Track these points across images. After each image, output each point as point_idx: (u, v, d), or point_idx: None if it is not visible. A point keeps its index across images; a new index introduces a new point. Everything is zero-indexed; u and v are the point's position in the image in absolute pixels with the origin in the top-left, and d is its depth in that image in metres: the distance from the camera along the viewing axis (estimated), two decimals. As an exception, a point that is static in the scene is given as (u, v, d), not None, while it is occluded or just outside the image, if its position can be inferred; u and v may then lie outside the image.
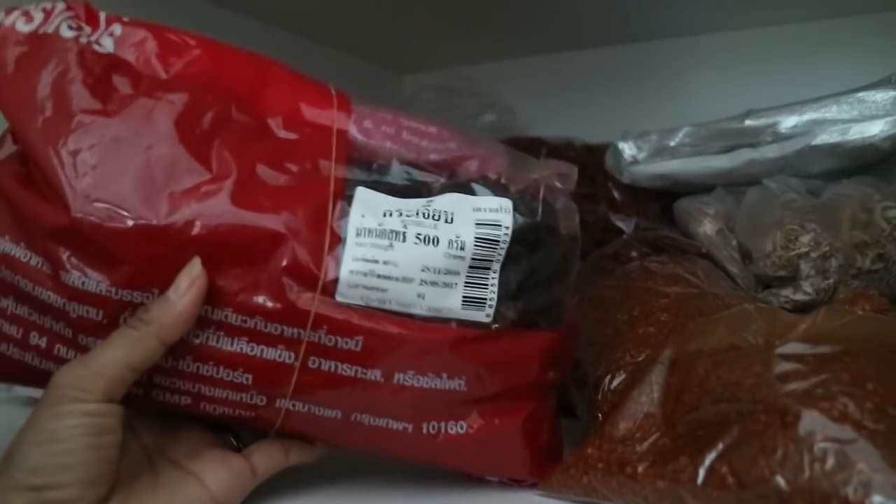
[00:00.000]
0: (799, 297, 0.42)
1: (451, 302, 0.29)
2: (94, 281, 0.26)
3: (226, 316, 0.27)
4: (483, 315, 0.29)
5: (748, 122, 0.49)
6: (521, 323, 0.30)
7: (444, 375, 0.29)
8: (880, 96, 0.45)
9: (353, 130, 0.30)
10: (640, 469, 0.28)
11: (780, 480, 0.24)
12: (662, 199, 0.55)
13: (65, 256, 0.26)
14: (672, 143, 0.52)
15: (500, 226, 0.29)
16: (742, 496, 0.25)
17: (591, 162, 0.59)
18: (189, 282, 0.26)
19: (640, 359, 0.34)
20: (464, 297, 0.29)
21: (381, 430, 0.30)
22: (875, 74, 0.48)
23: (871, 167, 0.48)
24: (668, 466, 0.27)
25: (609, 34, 0.75)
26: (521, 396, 0.31)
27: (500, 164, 0.32)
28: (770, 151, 0.48)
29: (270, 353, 0.28)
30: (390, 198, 0.29)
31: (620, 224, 0.55)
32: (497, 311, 0.29)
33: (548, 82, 0.82)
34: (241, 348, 0.28)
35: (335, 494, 0.32)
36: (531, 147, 0.62)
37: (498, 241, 0.29)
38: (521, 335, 0.30)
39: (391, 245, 0.28)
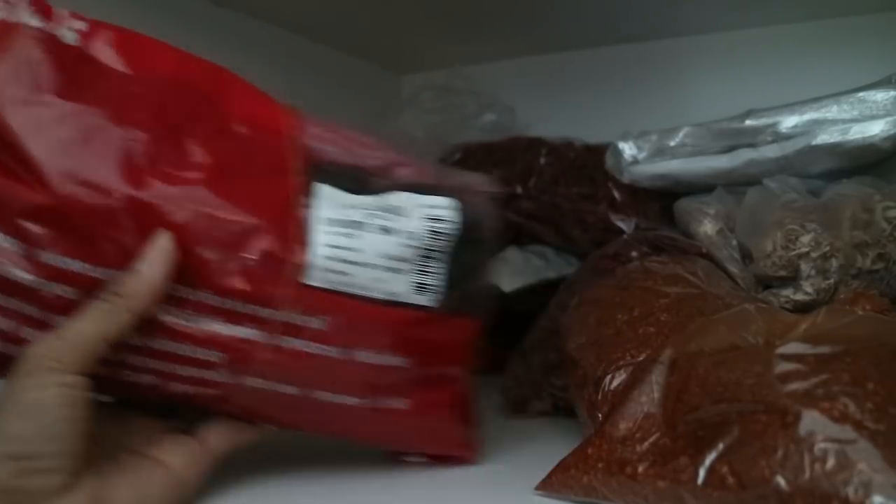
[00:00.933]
0: (799, 297, 0.42)
1: (403, 287, 0.32)
2: (70, 260, 0.27)
3: (202, 297, 0.29)
4: (428, 300, 0.33)
5: (748, 122, 0.49)
6: (458, 310, 0.34)
7: (394, 353, 0.32)
8: (880, 96, 0.45)
9: (306, 134, 0.33)
10: (640, 469, 0.28)
11: (781, 480, 0.24)
12: (662, 199, 0.55)
13: (41, 235, 0.27)
14: (672, 143, 0.52)
15: (447, 221, 0.33)
16: (742, 496, 0.25)
17: (591, 162, 0.59)
18: (158, 254, 0.27)
19: (640, 359, 0.34)
20: (414, 282, 0.32)
21: (335, 406, 0.32)
22: (875, 74, 0.48)
23: (872, 167, 0.48)
24: (668, 466, 0.27)
25: (609, 34, 0.75)
26: (453, 377, 0.36)
27: (431, 171, 0.36)
28: (770, 151, 0.48)
29: (243, 332, 0.29)
30: (349, 194, 0.32)
31: (620, 224, 0.55)
32: (440, 298, 0.33)
33: (548, 82, 0.82)
34: (215, 328, 0.29)
35: (333, 495, 0.32)
36: (531, 147, 0.62)
37: (445, 234, 0.33)
38: (457, 321, 0.34)
39: (354, 234, 0.31)
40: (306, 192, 0.31)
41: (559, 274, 0.59)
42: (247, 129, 0.32)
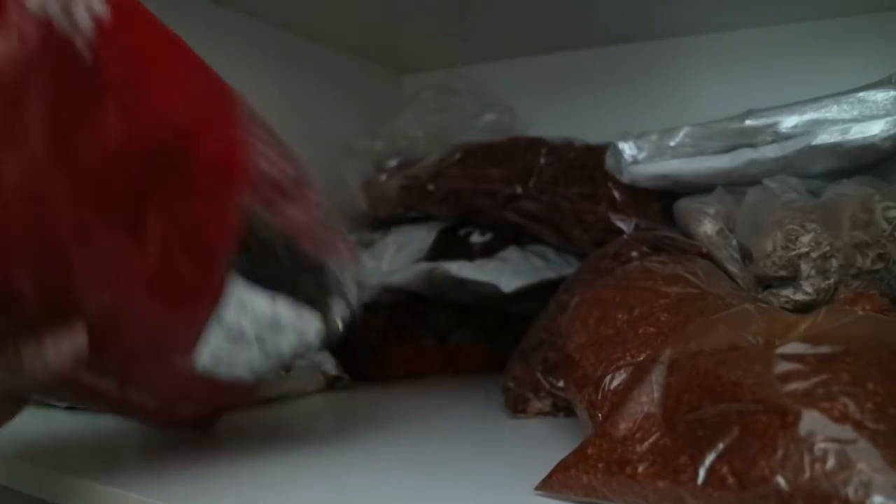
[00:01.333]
0: (799, 297, 0.42)
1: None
2: None
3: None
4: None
5: (748, 122, 0.49)
6: None
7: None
8: (881, 96, 0.45)
9: (251, 171, 0.32)
10: (640, 469, 0.28)
11: (781, 480, 0.24)
12: (662, 199, 0.55)
13: None
14: (672, 143, 0.52)
15: (313, 345, 0.36)
16: (742, 496, 0.25)
17: (591, 162, 0.59)
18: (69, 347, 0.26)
19: (640, 359, 0.34)
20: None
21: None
22: (875, 74, 0.48)
23: (872, 167, 0.48)
24: (668, 466, 0.27)
25: (609, 34, 0.75)
26: None
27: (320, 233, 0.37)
28: (770, 151, 0.48)
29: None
30: (254, 293, 0.33)
31: (620, 224, 0.55)
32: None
33: (548, 82, 0.82)
34: None
35: (332, 491, 0.32)
36: (531, 147, 0.62)
37: (303, 353, 0.36)
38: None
39: (235, 346, 0.33)
40: (225, 286, 0.31)
41: (559, 274, 0.59)
42: (204, 193, 0.29)
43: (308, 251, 0.35)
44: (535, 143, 0.62)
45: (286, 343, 0.34)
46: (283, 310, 0.34)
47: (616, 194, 0.56)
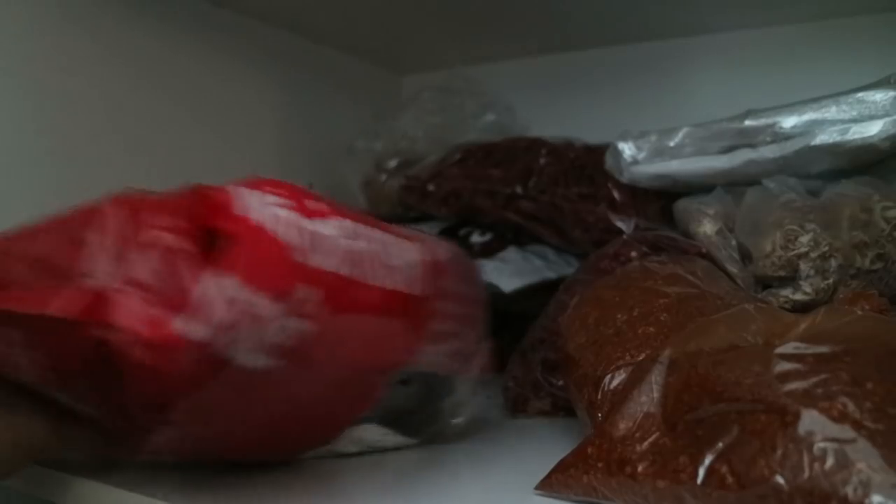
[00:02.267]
0: (798, 297, 0.42)
1: None
2: None
3: None
4: None
5: (748, 123, 0.49)
6: None
7: None
8: (879, 96, 0.45)
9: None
10: (639, 469, 0.28)
11: (780, 480, 0.24)
12: (662, 199, 0.55)
13: None
14: (671, 144, 0.52)
15: None
16: (742, 496, 0.25)
17: (591, 162, 0.59)
18: None
19: (640, 358, 0.34)
20: None
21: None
22: (874, 74, 0.48)
23: (870, 167, 0.48)
24: (667, 466, 0.27)
25: (609, 34, 0.75)
26: None
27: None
28: (770, 151, 0.48)
29: None
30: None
31: (620, 224, 0.55)
32: None
33: (548, 82, 0.82)
34: None
35: (329, 489, 0.32)
36: (531, 147, 0.62)
37: None
38: None
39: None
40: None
41: (559, 274, 0.59)
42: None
43: (445, 377, 0.36)
44: (535, 144, 0.63)
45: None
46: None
47: (616, 194, 0.56)
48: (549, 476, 0.32)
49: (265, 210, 0.25)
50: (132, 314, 0.24)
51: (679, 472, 0.27)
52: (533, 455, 0.38)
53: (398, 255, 0.31)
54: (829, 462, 0.24)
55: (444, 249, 0.36)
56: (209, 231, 0.25)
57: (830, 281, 0.41)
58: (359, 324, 0.28)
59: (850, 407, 0.25)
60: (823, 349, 0.27)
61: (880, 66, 0.50)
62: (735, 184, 0.50)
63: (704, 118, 0.52)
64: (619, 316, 0.38)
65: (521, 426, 0.45)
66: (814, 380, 0.26)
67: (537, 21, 0.72)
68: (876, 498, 0.22)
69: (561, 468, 0.31)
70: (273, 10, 0.70)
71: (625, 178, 0.54)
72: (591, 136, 0.62)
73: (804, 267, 0.41)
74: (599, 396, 0.34)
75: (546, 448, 0.38)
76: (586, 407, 0.35)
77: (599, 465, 0.30)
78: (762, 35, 0.71)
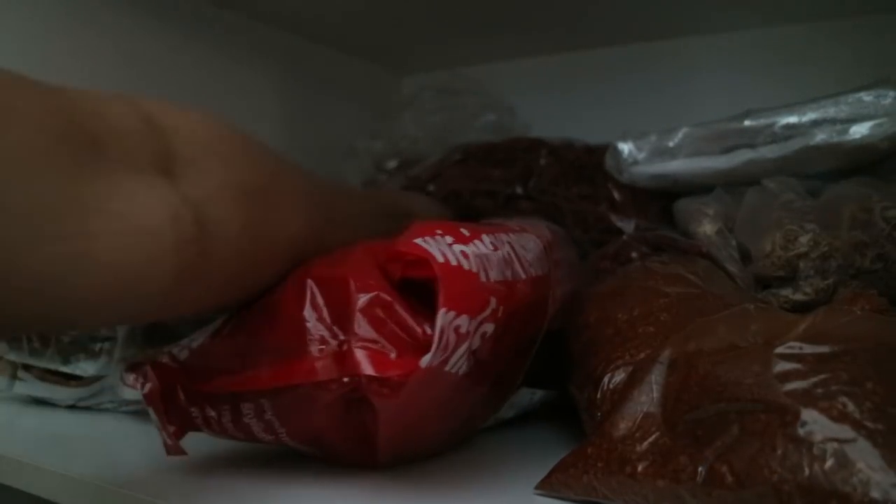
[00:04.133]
0: (798, 297, 0.42)
1: None
2: None
3: None
4: None
5: (747, 123, 0.49)
6: None
7: None
8: (879, 97, 0.45)
9: None
10: (639, 468, 0.28)
11: (780, 479, 0.24)
12: (662, 199, 0.55)
13: None
14: (671, 144, 0.52)
15: None
16: (741, 495, 0.25)
17: (591, 162, 0.59)
18: None
19: (640, 358, 0.34)
20: None
21: None
22: (874, 75, 0.48)
23: (870, 167, 0.48)
24: (667, 466, 0.27)
25: (610, 34, 0.75)
26: None
27: None
28: (770, 151, 0.48)
29: None
30: None
31: (620, 224, 0.55)
32: None
33: (548, 82, 0.82)
34: None
35: (328, 491, 0.33)
36: (531, 148, 0.62)
37: None
38: None
39: None
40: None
41: (559, 274, 0.59)
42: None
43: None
44: (536, 144, 0.63)
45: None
46: None
47: (616, 194, 0.56)
48: (549, 476, 0.32)
49: (448, 251, 0.30)
50: (376, 363, 0.30)
51: (679, 472, 0.27)
52: (533, 455, 0.38)
53: (527, 248, 0.36)
54: (829, 462, 0.24)
55: (547, 229, 0.42)
56: (404, 280, 0.31)
57: (830, 281, 0.41)
58: (519, 311, 0.33)
59: (850, 407, 0.25)
60: (823, 349, 0.27)
61: (880, 67, 0.50)
62: (735, 184, 0.50)
63: (704, 118, 0.52)
64: (619, 316, 0.38)
65: (521, 426, 0.45)
66: (813, 380, 0.26)
67: (537, 21, 0.72)
68: (875, 497, 0.22)
69: (561, 468, 0.31)
70: (273, 10, 0.70)
71: (624, 179, 0.55)
72: (592, 137, 0.62)
73: (804, 267, 0.41)
74: (599, 396, 0.34)
75: (546, 448, 0.38)
76: (586, 407, 0.35)
77: (599, 464, 0.30)
78: (762, 36, 0.71)
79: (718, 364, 0.29)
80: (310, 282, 0.33)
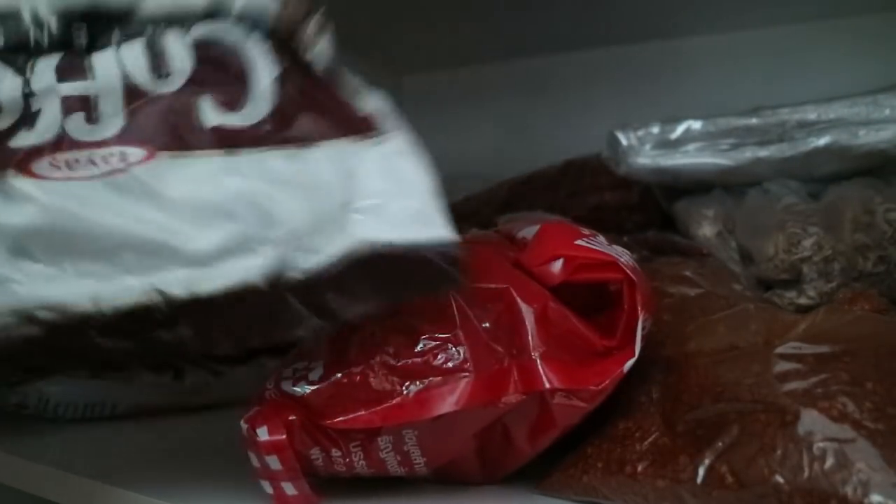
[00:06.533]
0: (803, 300, 0.41)
1: None
2: None
3: None
4: None
5: (756, 120, 0.47)
6: None
7: None
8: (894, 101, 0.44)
9: None
10: (639, 468, 0.28)
11: (780, 479, 0.24)
12: (665, 200, 0.55)
13: None
14: (674, 137, 0.49)
15: None
16: (741, 495, 0.25)
17: (588, 168, 0.59)
18: None
19: (641, 358, 0.34)
20: None
21: None
22: (875, 75, 0.48)
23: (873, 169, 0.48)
24: (667, 466, 0.27)
25: (609, 34, 0.75)
26: None
27: None
28: (778, 151, 0.46)
29: None
30: None
31: (622, 225, 0.55)
32: None
33: (547, 82, 0.82)
34: None
35: (328, 490, 0.33)
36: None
37: None
38: None
39: None
40: None
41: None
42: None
43: None
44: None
45: None
46: None
47: (618, 195, 0.56)
48: (549, 476, 0.32)
49: (615, 251, 0.30)
50: (562, 375, 0.29)
51: (679, 472, 0.27)
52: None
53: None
54: (829, 462, 0.24)
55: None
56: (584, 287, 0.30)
57: (834, 284, 0.41)
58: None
59: (850, 407, 0.25)
60: (823, 349, 0.27)
61: (881, 68, 0.50)
62: (738, 183, 0.49)
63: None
64: (619, 316, 0.38)
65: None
66: (813, 380, 0.26)
67: (537, 21, 0.72)
68: (875, 497, 0.22)
69: (561, 468, 0.31)
70: (274, 10, 0.70)
71: (622, 171, 0.50)
72: (591, 137, 0.62)
73: (807, 270, 0.41)
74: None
75: (546, 448, 0.38)
76: (586, 407, 0.35)
77: (599, 464, 0.30)
78: (762, 36, 0.71)
79: (718, 364, 0.29)
80: (454, 297, 0.30)
